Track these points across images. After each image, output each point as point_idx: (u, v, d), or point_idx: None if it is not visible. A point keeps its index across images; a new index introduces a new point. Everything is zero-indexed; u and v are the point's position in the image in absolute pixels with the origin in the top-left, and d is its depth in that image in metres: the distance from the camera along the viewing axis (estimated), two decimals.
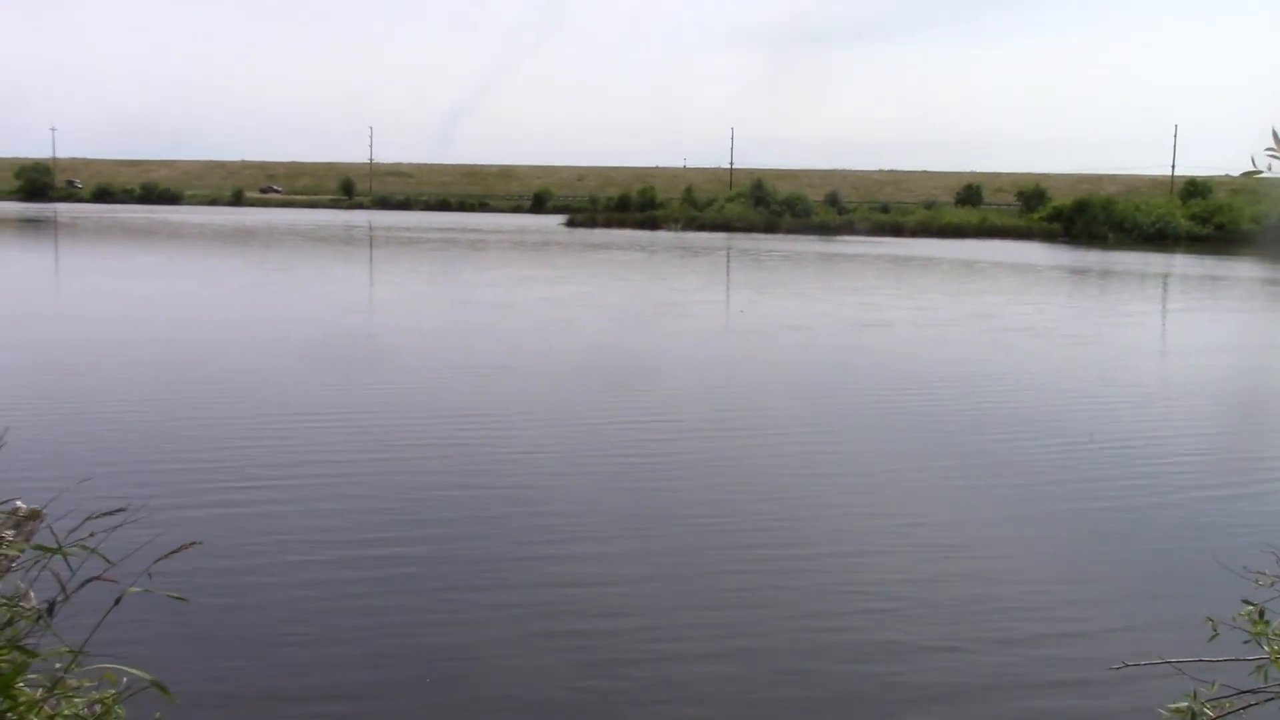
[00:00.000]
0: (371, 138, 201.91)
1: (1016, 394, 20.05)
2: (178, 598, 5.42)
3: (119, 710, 5.25)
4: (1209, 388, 21.63)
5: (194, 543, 4.94)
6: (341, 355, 22.86)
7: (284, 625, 8.58)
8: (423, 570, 9.92)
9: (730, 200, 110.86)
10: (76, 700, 5.17)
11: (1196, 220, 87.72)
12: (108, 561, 4.91)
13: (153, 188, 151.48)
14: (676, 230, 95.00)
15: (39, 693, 4.92)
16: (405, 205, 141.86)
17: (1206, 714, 5.91)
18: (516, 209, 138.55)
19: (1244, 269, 58.56)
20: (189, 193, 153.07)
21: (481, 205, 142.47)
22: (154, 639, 7.93)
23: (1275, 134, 4.94)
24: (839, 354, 24.29)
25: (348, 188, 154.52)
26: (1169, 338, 30.11)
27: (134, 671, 4.59)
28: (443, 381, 19.55)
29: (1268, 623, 6.04)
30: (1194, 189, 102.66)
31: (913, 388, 20.20)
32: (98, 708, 5.08)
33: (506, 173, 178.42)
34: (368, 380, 19.69)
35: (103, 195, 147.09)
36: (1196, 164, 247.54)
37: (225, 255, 56.81)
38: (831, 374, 21.65)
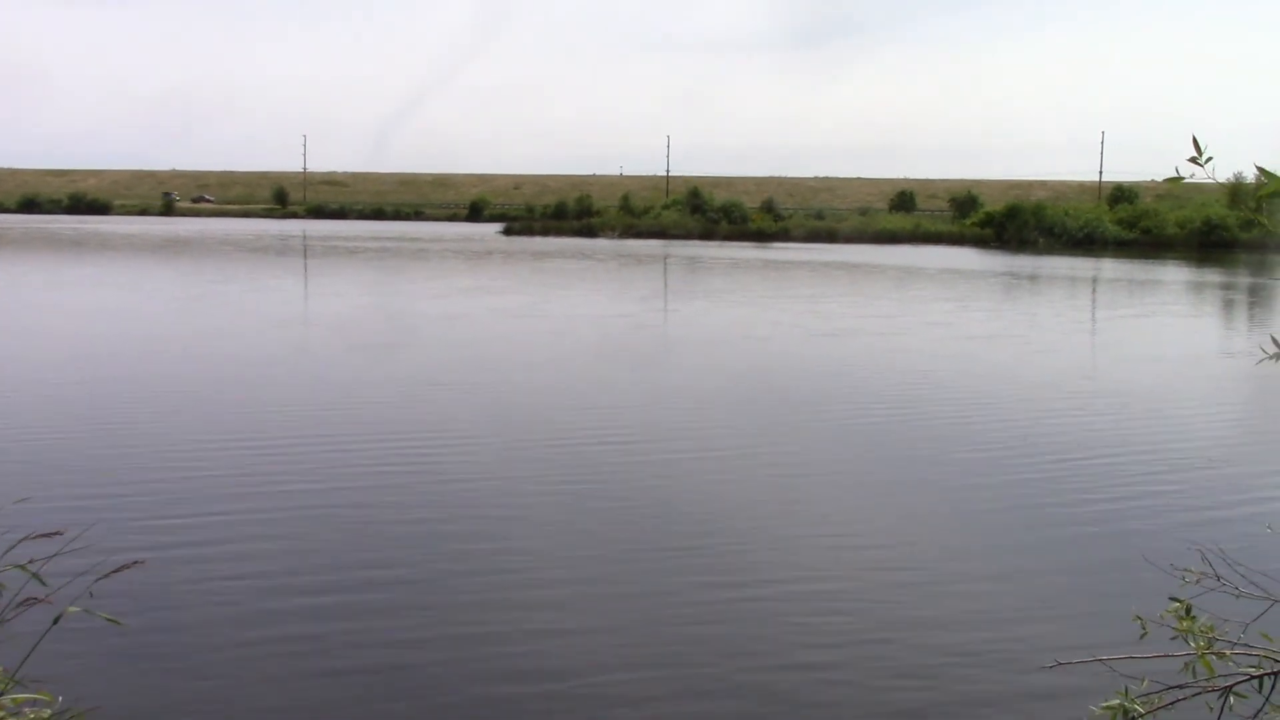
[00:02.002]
0: (305, 146, 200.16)
1: (952, 396, 20.30)
2: (112, 620, 5.38)
3: None
4: (1143, 390, 22.05)
5: (136, 562, 4.91)
6: (283, 372, 22.62)
7: (224, 648, 8.49)
8: (365, 593, 9.86)
9: (667, 207, 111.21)
10: None
11: (1123, 225, 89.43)
12: (42, 583, 4.86)
13: (80, 198, 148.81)
14: (614, 238, 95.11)
15: None
16: (340, 214, 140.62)
17: (1137, 710, 6.06)
18: (453, 217, 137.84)
19: (1170, 273, 59.74)
20: (118, 203, 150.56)
21: (417, 214, 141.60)
22: (93, 661, 7.83)
23: (1195, 142, 5.11)
24: (799, 364, 24.27)
25: (281, 197, 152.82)
26: (1119, 342, 30.61)
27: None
28: (387, 398, 19.35)
29: (1194, 619, 6.21)
30: (1120, 194, 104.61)
31: (859, 399, 20.39)
32: None
33: (442, 181, 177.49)
34: (311, 398, 19.46)
35: (29, 206, 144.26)
36: (1123, 170, 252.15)
37: (159, 268, 55.96)
38: (791, 385, 21.65)
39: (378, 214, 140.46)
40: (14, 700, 5.23)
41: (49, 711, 5.30)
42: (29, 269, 54.30)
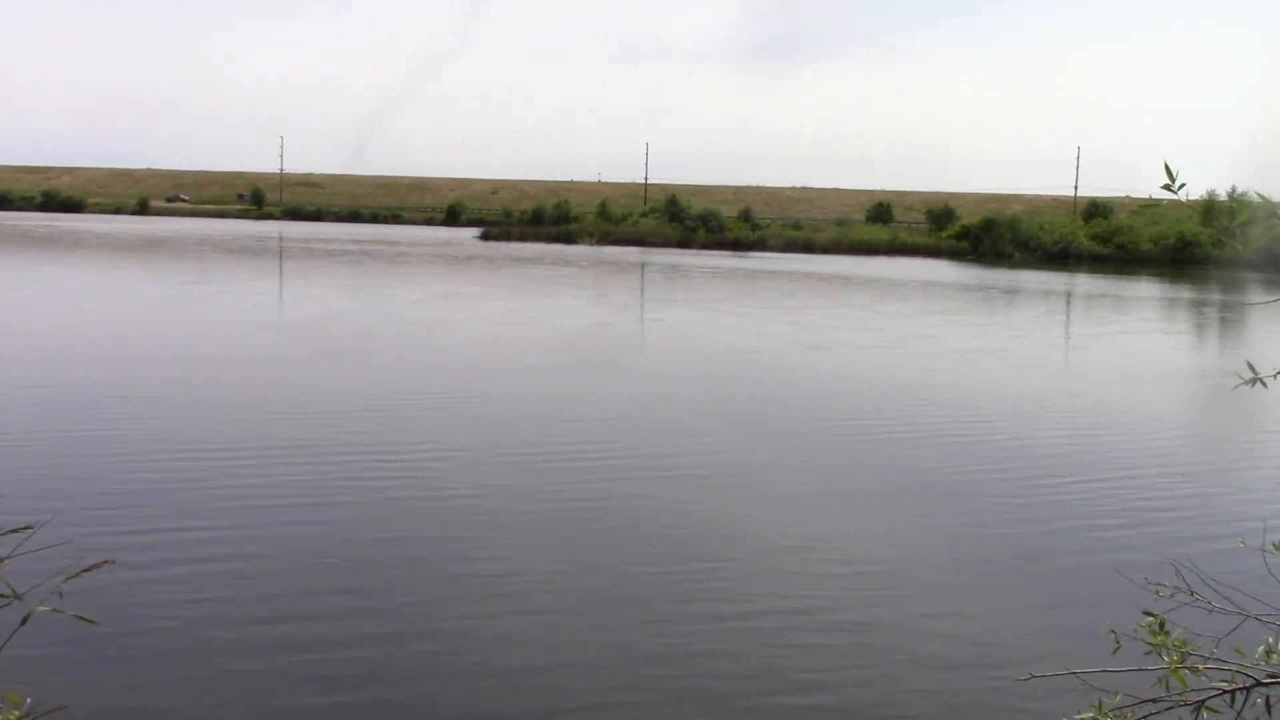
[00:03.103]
0: (282, 147, 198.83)
1: (938, 411, 20.38)
2: (84, 619, 5.32)
3: None
4: (1121, 407, 22.19)
5: (106, 561, 4.85)
6: (259, 376, 22.50)
7: (191, 651, 8.42)
8: (335, 595, 9.81)
9: (645, 215, 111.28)
10: None
11: (1097, 240, 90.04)
12: (10, 591, 4.80)
13: (54, 195, 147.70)
14: (591, 244, 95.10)
15: None
16: (317, 216, 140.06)
17: None
18: (430, 221, 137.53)
19: (1145, 289, 60.20)
20: (92, 201, 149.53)
21: (394, 217, 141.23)
22: (59, 662, 7.75)
23: (1167, 169, 5.15)
24: (786, 377, 24.16)
25: (257, 197, 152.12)
26: (1101, 359, 30.76)
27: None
28: (364, 404, 19.19)
29: (1168, 634, 6.24)
30: (1095, 210, 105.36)
31: (847, 413, 20.44)
32: None
33: (420, 184, 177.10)
34: (288, 403, 19.32)
35: (1, 203, 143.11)
36: (1098, 185, 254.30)
37: (133, 268, 55.61)
38: (778, 398, 21.53)
39: (355, 216, 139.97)
40: None
41: (16, 713, 5.24)
42: (4, 266, 53.86)
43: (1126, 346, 33.33)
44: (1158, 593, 6.73)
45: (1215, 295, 57.34)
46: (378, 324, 32.50)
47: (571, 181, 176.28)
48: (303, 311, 36.67)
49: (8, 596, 4.71)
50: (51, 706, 5.48)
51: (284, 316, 35.58)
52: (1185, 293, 57.83)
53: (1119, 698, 6.22)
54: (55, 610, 4.75)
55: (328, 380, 21.51)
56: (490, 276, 56.43)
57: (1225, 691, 6.16)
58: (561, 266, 64.47)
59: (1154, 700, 6.19)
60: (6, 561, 4.66)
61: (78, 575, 4.81)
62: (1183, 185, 4.79)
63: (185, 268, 54.83)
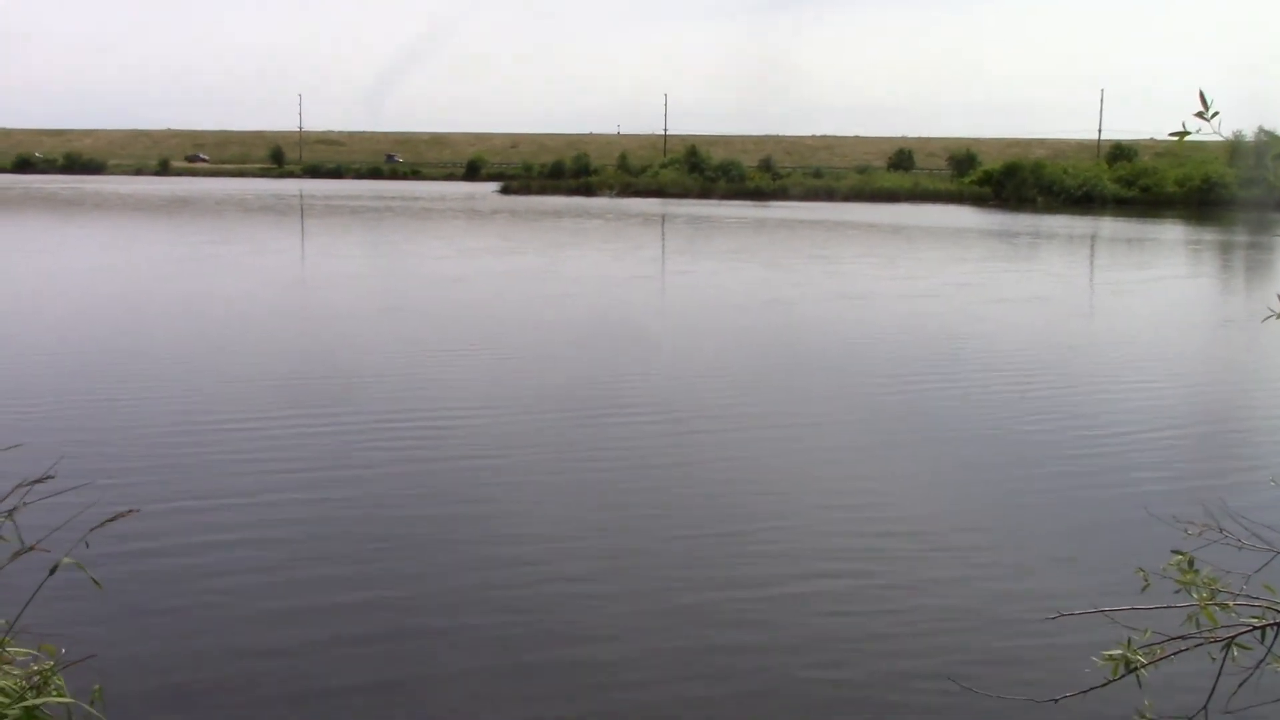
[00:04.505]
0: (301, 105, 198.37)
1: (979, 361, 20.28)
2: (95, 584, 5.36)
3: (58, 680, 5.19)
4: (1156, 349, 22.05)
5: (130, 510, 4.87)
6: (286, 335, 22.53)
7: (215, 602, 8.47)
8: (364, 544, 9.86)
9: (665, 166, 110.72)
10: (15, 672, 5.10)
11: (1122, 183, 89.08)
12: (19, 540, 4.84)
13: (76, 157, 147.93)
14: (612, 196, 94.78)
15: None
16: (337, 174, 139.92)
17: (1139, 661, 6.06)
18: (450, 177, 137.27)
19: (1169, 231, 59.62)
20: (113, 162, 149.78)
21: (414, 173, 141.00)
22: (86, 611, 7.82)
23: (1202, 96, 5.04)
24: (828, 329, 23.93)
25: (277, 156, 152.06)
26: (1136, 302, 30.47)
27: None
28: (395, 363, 19.12)
29: (1197, 571, 6.19)
30: (1120, 152, 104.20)
31: (891, 365, 20.33)
32: (36, 679, 5.02)
33: (439, 140, 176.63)
34: (316, 361, 19.27)
35: (23, 165, 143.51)
36: (1122, 128, 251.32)
37: (157, 228, 55.75)
38: (821, 351, 21.27)
39: (375, 173, 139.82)
40: (19, 653, 5.22)
41: (50, 663, 5.29)
42: (27, 229, 54.12)
43: (1161, 290, 33.04)
44: (1187, 531, 6.68)
45: (1243, 236, 56.74)
46: (403, 281, 32.49)
47: (590, 134, 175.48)
48: (328, 269, 36.67)
49: (35, 548, 4.74)
50: (81, 655, 5.54)
51: (308, 274, 35.62)
52: (1212, 234, 57.23)
53: (1148, 635, 6.19)
54: (79, 565, 4.78)
55: (354, 338, 21.53)
56: (514, 231, 56.29)
57: (1255, 628, 6.12)
58: (584, 219, 64.29)
59: (1183, 637, 6.16)
60: (30, 509, 4.68)
61: (103, 525, 4.84)
62: (1216, 114, 4.68)
63: (209, 227, 54.93)
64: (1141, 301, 30.47)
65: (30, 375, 17.13)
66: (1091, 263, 42.64)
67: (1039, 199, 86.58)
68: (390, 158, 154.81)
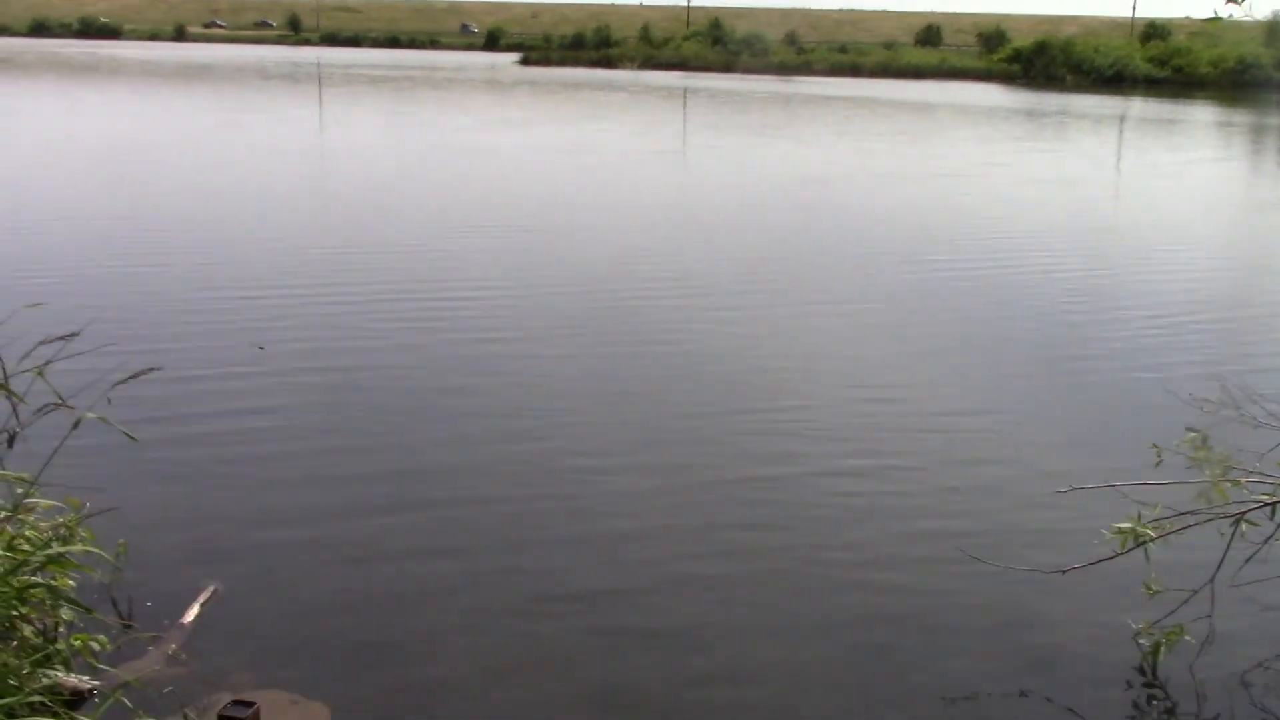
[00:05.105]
0: None
1: (1003, 244, 20.12)
2: (129, 436, 5.43)
3: (83, 533, 5.31)
4: (1187, 232, 21.85)
5: (153, 368, 4.91)
6: (309, 206, 22.42)
7: (245, 461, 8.58)
8: (381, 414, 9.94)
9: (687, 39, 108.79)
10: (41, 524, 5.22)
11: (1154, 63, 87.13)
12: (60, 398, 4.90)
13: (91, 22, 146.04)
14: (633, 69, 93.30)
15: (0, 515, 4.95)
16: (354, 42, 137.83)
17: (1148, 535, 6.12)
18: (469, 46, 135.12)
19: (1201, 113, 58.50)
20: (129, 27, 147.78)
21: (432, 43, 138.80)
22: (108, 465, 7.94)
23: None
24: (866, 209, 23.49)
25: (295, 23, 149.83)
26: (1167, 185, 30.04)
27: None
28: (419, 238, 18.95)
29: (1210, 449, 6.23)
30: (1153, 32, 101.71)
31: (931, 246, 20.17)
32: (62, 530, 5.14)
33: (456, 9, 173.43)
34: (336, 233, 19.10)
35: (39, 29, 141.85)
36: (1157, 7, 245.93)
37: (175, 95, 55.21)
38: (852, 230, 20.94)
39: (393, 42, 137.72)
40: (44, 506, 5.33)
41: (76, 516, 5.41)
42: (46, 95, 53.72)
43: (1192, 173, 32.54)
44: (1202, 409, 6.72)
45: (1277, 119, 55.68)
46: (425, 153, 32.17)
47: (612, 5, 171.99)
48: (348, 140, 36.32)
49: (58, 403, 4.81)
50: (104, 508, 5.65)
51: (328, 145, 35.32)
52: (1246, 117, 56.16)
53: (1158, 510, 6.25)
54: (102, 419, 4.85)
55: (374, 210, 21.43)
56: (535, 102, 55.56)
57: (1266, 504, 6.17)
58: (606, 92, 63.41)
59: (1193, 513, 6.22)
60: (53, 369, 4.73)
61: (124, 381, 4.89)
62: None
63: (227, 95, 54.42)
64: (1171, 184, 30.06)
65: (50, 241, 17.15)
66: (1121, 144, 41.95)
67: (1068, 78, 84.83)
68: (466, 27, 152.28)
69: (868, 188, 26.72)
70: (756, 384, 11.08)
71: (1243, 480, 6.18)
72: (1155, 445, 6.39)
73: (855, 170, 30.27)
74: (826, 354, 12.49)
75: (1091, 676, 5.91)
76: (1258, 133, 48.67)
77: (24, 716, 4.11)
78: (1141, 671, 5.99)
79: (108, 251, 16.37)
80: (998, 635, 6.31)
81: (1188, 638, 5.94)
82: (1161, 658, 5.98)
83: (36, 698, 4.18)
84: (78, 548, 5.12)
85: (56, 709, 4.36)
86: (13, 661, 4.37)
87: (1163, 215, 24.17)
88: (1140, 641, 6.12)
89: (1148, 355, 12.42)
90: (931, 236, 19.78)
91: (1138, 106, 61.92)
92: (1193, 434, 6.29)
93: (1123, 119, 53.32)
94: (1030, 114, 54.55)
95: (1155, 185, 29.90)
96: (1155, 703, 5.76)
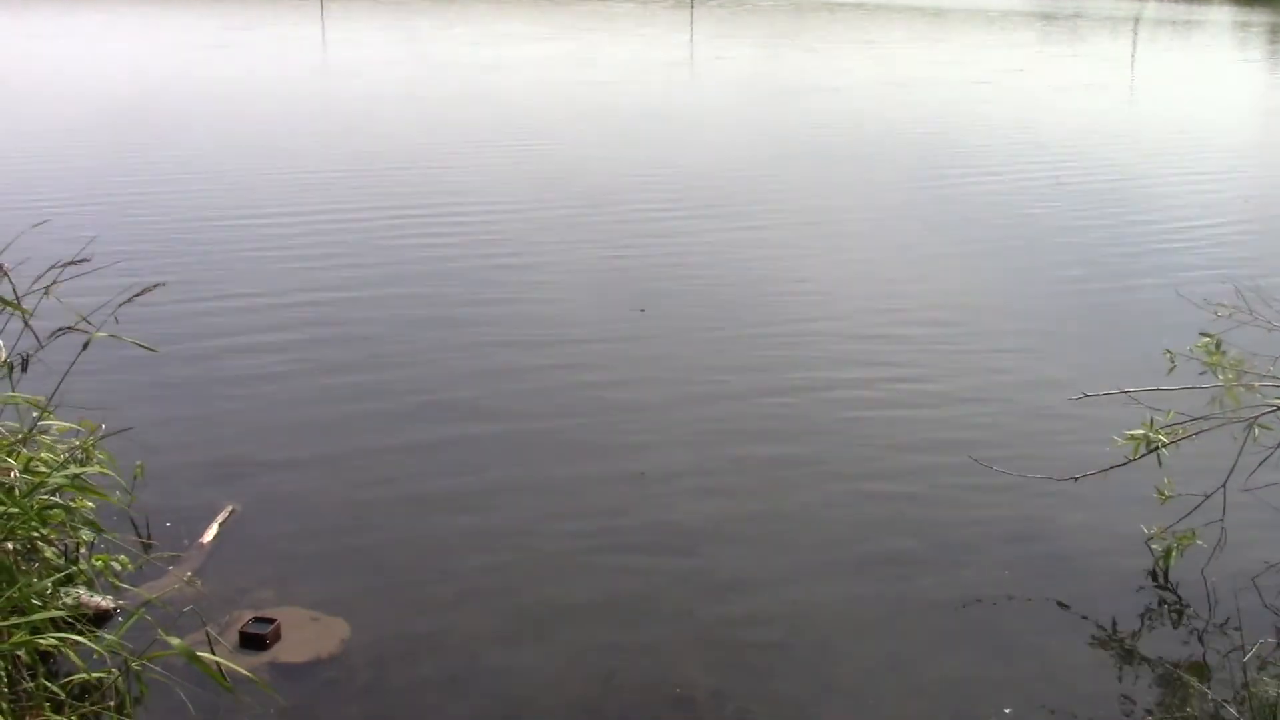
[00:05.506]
0: None
1: (1023, 153, 19.93)
2: (146, 347, 5.44)
3: (100, 454, 5.34)
4: (1199, 136, 21.60)
5: (158, 284, 4.89)
6: (315, 124, 22.19)
7: (258, 381, 8.58)
8: (389, 332, 9.93)
9: None
10: (58, 446, 5.25)
11: None
12: (83, 319, 4.90)
13: None
14: None
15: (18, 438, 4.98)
16: None
17: (1160, 440, 6.12)
18: None
19: (1216, 13, 57.43)
20: None
21: None
22: (126, 388, 7.98)
23: None
24: (882, 119, 23.05)
25: None
26: (1188, 90, 29.58)
27: None
28: (421, 153, 18.76)
29: (1224, 353, 6.20)
30: None
31: (947, 157, 19.96)
32: (79, 453, 5.17)
33: None
34: (344, 152, 18.86)
35: None
36: None
37: (175, 11, 54.52)
38: (870, 142, 20.58)
39: None
40: (59, 428, 5.36)
41: (92, 439, 5.44)
42: (43, 13, 53.12)
43: (1208, 76, 32.05)
44: (1216, 313, 6.66)
45: None
46: (431, 69, 31.75)
47: None
48: (351, 56, 35.83)
49: (70, 326, 4.82)
50: (119, 428, 5.68)
51: (332, 61, 34.91)
52: (1264, 17, 55.14)
53: (1171, 415, 6.24)
54: (114, 336, 4.85)
55: (381, 128, 21.23)
56: (541, 15, 54.72)
57: (1279, 409, 6.15)
58: (612, 4, 62.38)
59: (1205, 417, 6.21)
60: (62, 288, 4.73)
61: (131, 300, 4.88)
62: None
63: (228, 12, 53.73)
64: (1188, 88, 29.62)
65: (54, 160, 17.07)
66: (1137, 47, 41.27)
67: None
68: None
69: (880, 97, 26.38)
70: (768, 298, 11.04)
71: (1256, 385, 6.15)
72: (1168, 351, 6.36)
73: (869, 79, 29.85)
74: (838, 267, 12.42)
75: (1103, 582, 5.95)
76: (1276, 33, 47.80)
77: (50, 634, 4.17)
78: (1153, 576, 6.03)
79: (111, 172, 16.27)
80: (1010, 543, 6.35)
81: (1200, 542, 5.97)
82: (1173, 562, 6.01)
83: (60, 612, 4.24)
84: (95, 469, 5.16)
85: (81, 627, 4.43)
86: (36, 582, 4.43)
87: (1178, 120, 23.85)
88: (1152, 546, 6.15)
89: (1161, 261, 12.34)
90: (943, 146, 19.59)
91: (1153, 8, 60.81)
92: (1206, 339, 6.26)
93: (1138, 21, 52.39)
94: (1046, 17, 53.63)
95: (1171, 89, 29.47)
96: (1167, 606, 5.80)
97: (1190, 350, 6.26)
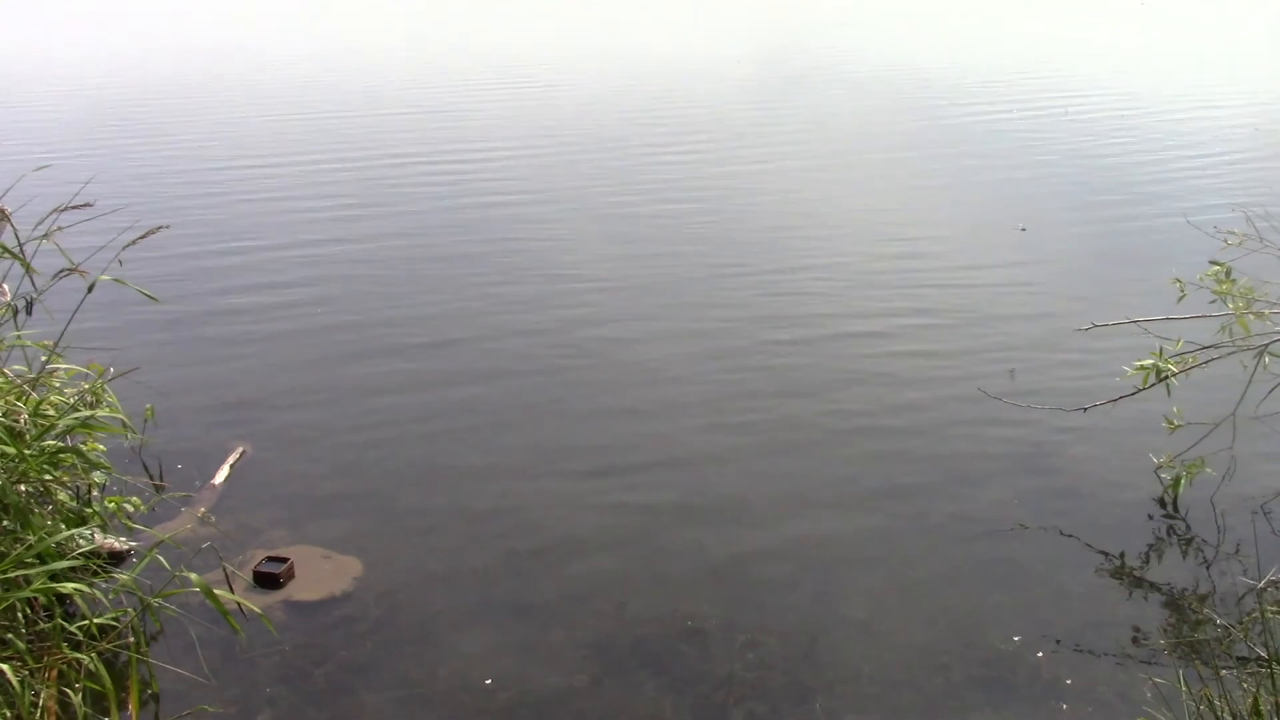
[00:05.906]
0: None
1: (1036, 91, 19.72)
2: (148, 295, 5.42)
3: (110, 397, 5.34)
4: (1218, 69, 21.37)
5: (160, 227, 4.86)
6: (319, 71, 22.05)
7: (263, 321, 8.60)
8: (396, 273, 9.93)
9: None
10: (67, 390, 5.25)
11: None
12: (71, 261, 4.86)
13: None
14: None
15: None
16: None
17: (1170, 369, 6.10)
18: None
19: None
20: None
21: None
22: (132, 331, 8.00)
23: None
24: (884, 47, 23.08)
25: None
26: (1213, 20, 29.25)
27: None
28: (426, 96, 18.70)
29: (1234, 281, 6.15)
30: None
31: (952, 94, 19.78)
32: (88, 396, 5.17)
33: None
34: (349, 100, 18.75)
35: None
36: None
37: None
38: (878, 77, 20.65)
39: None
40: (67, 372, 5.35)
41: (101, 382, 5.43)
42: None
43: (1225, 9, 31.62)
44: (1226, 240, 6.59)
45: None
46: (434, 11, 31.44)
47: None
48: (366, 25, 35.49)
49: (72, 269, 4.79)
50: (126, 368, 5.67)
51: (332, 3, 34.58)
52: None
53: (1180, 344, 6.21)
54: (119, 281, 4.82)
55: (387, 74, 21.07)
56: None
57: None
58: None
59: (1215, 346, 6.18)
60: (66, 233, 4.70)
61: (134, 243, 4.86)
62: None
63: None
64: (1200, 14, 29.25)
65: (55, 106, 16.99)
66: None
67: None
68: None
69: (884, 30, 26.09)
70: (774, 239, 11.00)
71: (1266, 313, 6.11)
72: (1178, 280, 6.31)
73: (871, 12, 29.51)
74: (844, 200, 12.36)
75: (1113, 511, 5.95)
76: None
77: (66, 575, 4.19)
78: (1162, 504, 6.03)
79: (112, 117, 16.20)
80: (1019, 473, 6.35)
81: (1208, 470, 5.96)
82: (1182, 490, 6.01)
83: (78, 561, 4.25)
84: (104, 412, 5.16)
85: (96, 567, 4.45)
86: (49, 524, 4.44)
87: (1189, 49, 23.57)
88: (1161, 475, 6.15)
89: (1171, 190, 12.24)
90: (951, 80, 19.39)
91: None
92: (1216, 267, 6.21)
93: None
94: None
95: (1183, 16, 29.09)
96: (1176, 535, 5.81)
97: (1200, 279, 6.21)
